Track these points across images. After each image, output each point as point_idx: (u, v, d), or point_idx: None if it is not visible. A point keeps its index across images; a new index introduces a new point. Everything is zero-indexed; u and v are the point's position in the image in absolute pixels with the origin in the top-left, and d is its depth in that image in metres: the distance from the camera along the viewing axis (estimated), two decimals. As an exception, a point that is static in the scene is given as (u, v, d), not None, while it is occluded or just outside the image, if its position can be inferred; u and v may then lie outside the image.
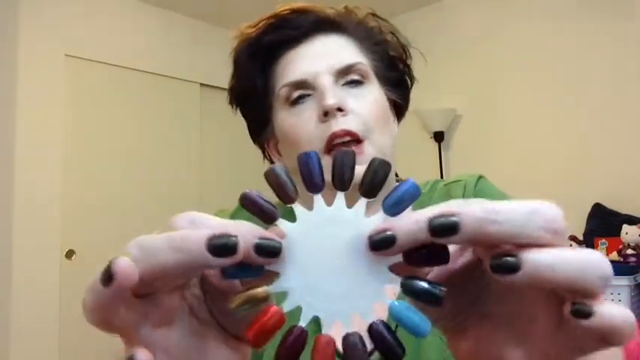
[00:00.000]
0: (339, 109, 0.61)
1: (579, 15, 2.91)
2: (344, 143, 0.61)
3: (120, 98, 3.19)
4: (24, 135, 2.78)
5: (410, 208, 0.26)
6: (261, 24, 0.68)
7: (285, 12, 0.67)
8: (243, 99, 0.73)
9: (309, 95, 0.65)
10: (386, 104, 0.68)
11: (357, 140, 0.61)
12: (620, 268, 2.08)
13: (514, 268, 0.23)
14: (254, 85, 0.70)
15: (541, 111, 3.02)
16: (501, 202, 0.24)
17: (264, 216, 0.26)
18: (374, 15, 0.72)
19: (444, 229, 0.23)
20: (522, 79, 3.11)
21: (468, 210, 0.24)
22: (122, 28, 3.23)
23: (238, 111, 0.75)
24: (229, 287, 0.28)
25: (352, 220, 0.26)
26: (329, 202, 0.27)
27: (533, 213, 0.24)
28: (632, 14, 2.73)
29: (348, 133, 0.61)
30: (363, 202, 0.26)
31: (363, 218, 0.26)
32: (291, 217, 0.27)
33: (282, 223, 0.26)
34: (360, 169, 0.26)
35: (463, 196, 0.68)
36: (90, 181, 3.01)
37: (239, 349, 0.31)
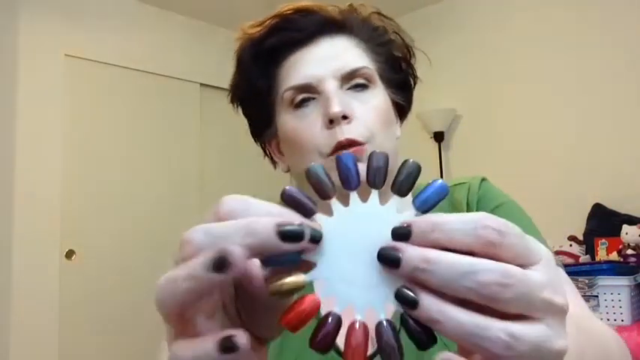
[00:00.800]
0: (344, 117, 0.61)
1: (579, 15, 2.91)
2: (348, 147, 0.61)
3: (120, 98, 3.19)
4: (24, 135, 2.78)
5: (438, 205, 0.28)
6: (264, 24, 0.67)
7: (289, 12, 0.66)
8: (246, 99, 0.73)
9: (313, 99, 0.64)
10: (389, 108, 0.68)
11: (360, 145, 0.62)
12: (620, 268, 2.08)
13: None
14: (257, 87, 0.69)
15: (541, 111, 3.02)
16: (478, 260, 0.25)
17: (303, 210, 0.28)
18: (379, 14, 0.72)
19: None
20: (522, 79, 3.11)
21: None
22: (122, 28, 3.23)
23: (238, 110, 0.75)
24: (260, 290, 0.28)
25: (384, 215, 0.28)
26: (364, 200, 0.29)
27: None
28: (633, 16, 2.73)
29: (352, 142, 0.61)
30: (395, 199, 0.29)
31: (394, 214, 0.28)
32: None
33: (320, 218, 0.28)
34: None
35: (467, 199, 0.68)
36: (90, 181, 3.01)
37: (259, 350, 0.31)
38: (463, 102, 3.35)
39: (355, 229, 0.28)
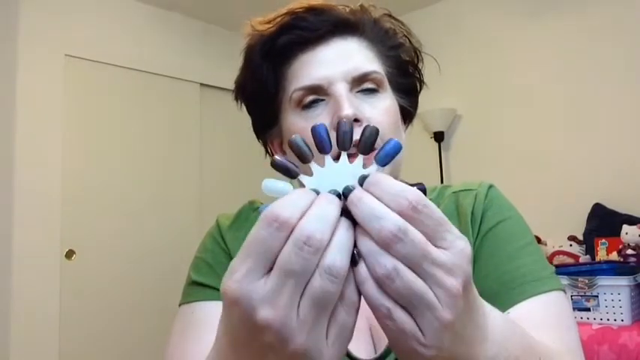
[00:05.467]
0: (356, 120, 0.61)
1: (580, 14, 2.91)
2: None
3: (120, 98, 3.19)
4: (24, 135, 2.78)
5: (393, 161, 0.37)
6: (275, 21, 0.66)
7: (301, 10, 0.65)
8: (252, 97, 0.72)
9: (322, 100, 0.64)
10: (397, 112, 0.68)
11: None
12: (620, 268, 2.08)
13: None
14: (265, 85, 0.68)
15: (541, 111, 3.02)
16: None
17: (289, 173, 0.36)
18: (389, 16, 0.71)
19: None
20: (522, 79, 3.11)
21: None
22: (122, 28, 3.23)
23: (242, 107, 0.74)
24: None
25: (352, 171, 0.36)
26: (336, 160, 0.36)
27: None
28: (633, 16, 2.73)
29: None
30: (360, 158, 0.36)
31: (360, 169, 0.36)
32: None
33: (302, 177, 0.36)
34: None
35: (473, 207, 0.68)
36: (90, 181, 3.01)
37: None
38: (463, 102, 3.35)
39: (330, 183, 0.35)
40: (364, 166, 0.36)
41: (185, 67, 3.47)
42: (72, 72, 2.99)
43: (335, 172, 0.36)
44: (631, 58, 2.72)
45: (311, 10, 0.65)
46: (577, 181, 2.83)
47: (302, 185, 0.37)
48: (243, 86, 0.72)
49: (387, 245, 0.32)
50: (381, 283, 0.32)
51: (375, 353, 0.62)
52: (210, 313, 0.65)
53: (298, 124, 0.65)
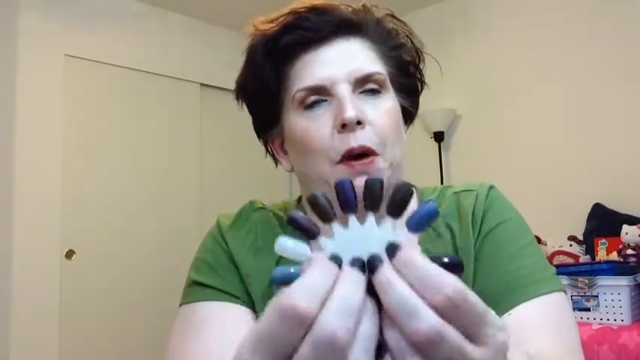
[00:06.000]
0: (358, 122, 0.60)
1: (579, 15, 2.91)
2: (358, 157, 0.60)
3: (120, 98, 3.19)
4: (24, 135, 2.78)
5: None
6: (278, 21, 0.66)
7: (304, 10, 0.65)
8: (253, 96, 0.71)
9: (324, 101, 0.64)
10: (399, 113, 0.67)
11: (371, 154, 0.61)
12: (620, 268, 2.08)
13: None
14: (267, 85, 0.68)
15: (541, 111, 3.02)
16: None
17: (309, 234, 0.32)
18: (392, 16, 0.71)
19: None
20: (523, 79, 3.11)
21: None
22: (122, 28, 3.23)
23: (242, 106, 0.74)
24: None
25: (380, 236, 0.31)
26: (361, 222, 0.32)
27: None
28: (633, 15, 2.73)
29: (364, 149, 0.60)
30: (389, 220, 0.32)
31: (389, 233, 0.31)
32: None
33: (323, 240, 0.32)
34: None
35: (474, 208, 0.68)
36: (90, 181, 3.01)
37: None
38: (463, 102, 3.35)
39: (354, 248, 0.31)
40: (393, 229, 0.32)
41: (185, 67, 3.47)
42: (72, 72, 2.99)
43: (360, 235, 0.32)
44: (631, 58, 2.72)
45: (314, 9, 0.65)
46: (577, 181, 2.83)
47: (320, 248, 0.33)
48: (245, 85, 0.72)
49: (419, 347, 0.28)
50: None
51: None
52: (210, 313, 0.65)
53: (300, 124, 0.64)
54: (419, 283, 0.29)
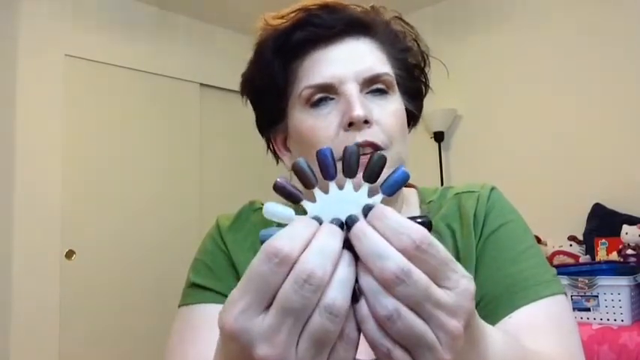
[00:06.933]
0: (366, 121, 0.60)
1: (579, 15, 2.91)
2: (365, 154, 0.60)
3: (120, 98, 3.19)
4: (24, 135, 2.78)
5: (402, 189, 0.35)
6: (289, 16, 0.66)
7: (315, 7, 0.65)
8: (260, 92, 0.71)
9: (331, 99, 0.64)
10: (404, 115, 0.67)
11: (377, 149, 0.61)
12: (620, 268, 2.08)
13: None
14: (274, 81, 0.68)
15: (541, 111, 3.02)
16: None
17: (292, 198, 0.35)
18: (400, 19, 0.71)
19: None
20: (522, 79, 3.11)
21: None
22: (122, 28, 3.23)
23: (247, 102, 0.74)
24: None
25: (357, 199, 0.35)
26: (340, 188, 0.35)
27: None
28: (633, 16, 2.73)
29: (370, 144, 0.60)
30: (365, 186, 0.35)
31: (365, 198, 0.35)
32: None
33: (305, 204, 0.35)
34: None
35: (475, 210, 0.68)
36: (90, 181, 3.01)
37: None
38: (463, 102, 3.35)
39: (334, 211, 0.34)
40: (369, 194, 0.35)
41: (185, 67, 3.47)
42: (72, 72, 2.99)
43: (339, 199, 0.35)
44: (632, 59, 2.72)
45: (325, 7, 0.65)
46: (577, 181, 2.83)
47: (304, 211, 0.36)
48: (251, 80, 0.71)
49: (389, 285, 0.32)
50: (381, 323, 0.32)
51: None
52: (209, 316, 0.65)
53: (307, 122, 0.64)
54: (389, 232, 0.32)
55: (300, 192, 0.35)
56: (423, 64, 0.72)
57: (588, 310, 2.02)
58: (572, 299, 2.05)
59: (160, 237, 3.22)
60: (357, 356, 0.61)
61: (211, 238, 0.73)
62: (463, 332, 0.33)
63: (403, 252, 0.32)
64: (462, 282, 0.33)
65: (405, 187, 0.76)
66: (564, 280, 2.04)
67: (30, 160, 2.79)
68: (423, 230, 0.32)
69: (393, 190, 0.35)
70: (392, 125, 0.63)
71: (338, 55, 0.64)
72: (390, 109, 0.64)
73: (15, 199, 2.72)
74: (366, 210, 0.34)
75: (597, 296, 2.00)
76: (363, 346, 0.62)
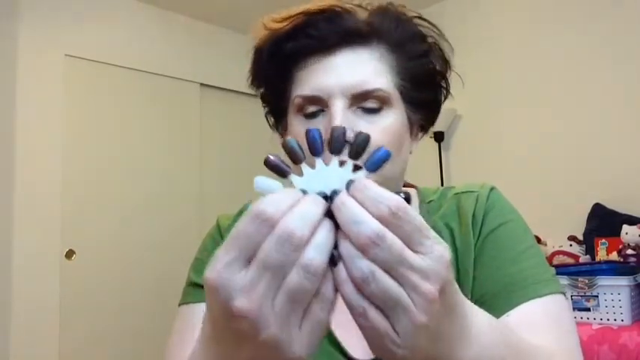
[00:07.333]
0: (346, 141, 0.60)
1: (579, 15, 2.91)
2: None
3: (120, 98, 3.19)
4: (24, 135, 2.79)
5: (385, 165, 0.38)
6: (289, 19, 0.64)
7: (316, 12, 0.63)
8: (262, 91, 0.73)
9: (322, 110, 0.64)
10: (401, 129, 0.66)
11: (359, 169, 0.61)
12: (620, 268, 2.08)
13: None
14: (272, 84, 0.69)
15: (541, 111, 3.02)
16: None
17: (280, 172, 0.37)
18: (420, 18, 0.69)
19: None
20: (522, 79, 3.11)
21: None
22: (122, 28, 3.23)
23: (243, 101, 0.75)
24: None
25: (342, 174, 0.37)
26: (326, 164, 0.38)
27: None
28: (633, 15, 2.73)
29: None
30: (350, 163, 0.37)
31: (349, 173, 0.37)
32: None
33: (293, 177, 0.37)
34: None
35: (475, 209, 0.68)
36: (90, 181, 3.01)
37: None
38: (463, 102, 3.35)
39: (319, 185, 0.36)
40: (354, 171, 0.37)
41: (185, 67, 3.47)
42: (72, 72, 2.99)
43: (325, 174, 0.37)
44: (631, 58, 2.72)
45: (326, 13, 0.63)
46: (577, 181, 2.83)
47: (292, 185, 0.38)
48: (256, 77, 0.72)
49: (364, 249, 0.33)
50: (358, 285, 0.34)
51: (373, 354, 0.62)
52: None
53: (297, 128, 0.65)
54: (368, 201, 0.34)
55: (288, 166, 0.37)
56: (444, 68, 0.70)
57: (588, 310, 2.02)
58: (572, 299, 2.05)
59: (159, 237, 3.22)
60: (357, 356, 0.61)
61: (212, 238, 0.73)
62: (438, 297, 0.34)
63: (380, 219, 0.34)
64: (437, 248, 0.35)
65: (406, 187, 0.76)
66: (564, 280, 2.04)
67: (30, 160, 2.79)
68: (400, 199, 0.34)
69: (375, 167, 0.37)
70: (379, 141, 0.61)
71: (330, 67, 0.63)
72: (380, 126, 0.63)
73: (15, 199, 2.72)
74: (349, 184, 0.36)
75: (597, 296, 2.00)
76: (360, 346, 0.63)
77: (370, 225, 0.33)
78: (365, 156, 0.38)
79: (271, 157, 0.38)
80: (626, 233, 2.32)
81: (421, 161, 3.36)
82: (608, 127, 2.77)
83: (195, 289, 0.69)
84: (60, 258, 2.84)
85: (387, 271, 0.33)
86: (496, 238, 0.65)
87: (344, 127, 0.38)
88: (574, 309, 2.04)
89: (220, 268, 0.34)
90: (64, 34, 2.98)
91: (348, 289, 0.34)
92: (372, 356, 0.62)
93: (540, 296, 0.59)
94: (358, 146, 0.38)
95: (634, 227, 2.32)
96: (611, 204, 2.66)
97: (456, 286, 0.38)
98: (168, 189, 3.33)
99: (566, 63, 2.94)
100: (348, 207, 0.34)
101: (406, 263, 0.33)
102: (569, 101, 2.92)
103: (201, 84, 3.55)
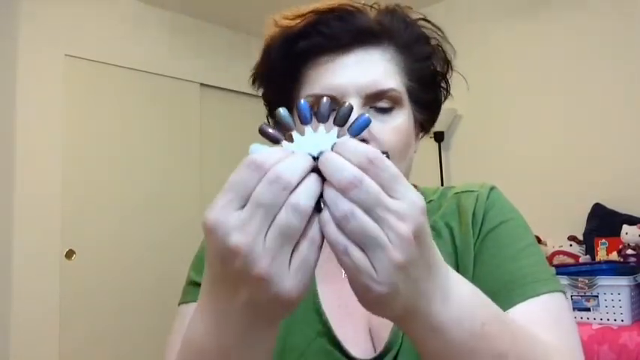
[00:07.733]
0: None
1: (579, 16, 2.91)
2: None
3: (120, 98, 3.19)
4: (24, 135, 2.78)
5: (365, 130, 0.44)
6: (302, 16, 0.64)
7: (327, 12, 0.63)
8: (268, 88, 0.72)
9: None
10: (409, 129, 0.67)
11: None
12: (620, 268, 2.08)
13: None
14: (281, 82, 0.68)
15: (541, 111, 3.02)
16: None
17: (272, 139, 0.41)
18: (426, 20, 0.69)
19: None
20: (522, 79, 3.11)
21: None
22: (122, 28, 3.23)
23: (259, 90, 0.74)
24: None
25: (328, 139, 0.41)
26: (314, 131, 0.41)
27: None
28: (633, 15, 2.73)
29: None
30: (335, 129, 0.41)
31: (334, 138, 0.41)
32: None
33: (284, 143, 0.41)
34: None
35: (474, 208, 0.68)
36: (90, 181, 3.01)
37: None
38: (463, 102, 3.35)
39: (308, 148, 0.40)
40: (339, 135, 0.41)
41: (185, 67, 3.47)
42: (72, 72, 2.99)
43: (313, 139, 0.41)
44: (631, 58, 2.72)
45: (336, 12, 0.63)
46: (577, 181, 2.83)
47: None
48: (261, 76, 0.72)
49: (345, 191, 0.37)
50: (339, 224, 0.37)
51: (375, 352, 0.63)
52: None
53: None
54: (349, 154, 0.38)
55: (280, 134, 0.41)
56: (446, 68, 0.71)
57: (588, 310, 2.02)
58: (572, 299, 2.05)
59: (159, 237, 3.22)
60: (357, 356, 0.62)
61: None
62: (412, 238, 0.37)
63: (359, 166, 0.37)
64: (410, 194, 0.38)
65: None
66: (564, 280, 2.04)
67: (30, 160, 2.79)
68: (377, 151, 0.38)
69: (357, 132, 0.41)
70: (391, 142, 0.63)
71: (343, 66, 0.63)
72: (391, 125, 0.64)
73: (15, 199, 2.72)
74: (334, 146, 0.40)
75: (597, 296, 2.00)
76: (362, 345, 0.63)
77: (350, 170, 0.37)
78: (348, 124, 0.42)
79: (265, 126, 0.41)
80: (626, 233, 2.32)
81: (421, 161, 3.33)
82: (608, 127, 2.77)
83: (195, 288, 0.69)
84: (60, 258, 2.84)
85: (366, 212, 0.37)
86: (496, 236, 0.65)
87: (329, 100, 0.42)
88: (574, 309, 2.04)
89: (218, 209, 0.37)
90: (64, 34, 2.98)
91: (331, 228, 0.37)
92: (372, 355, 0.62)
93: (540, 294, 0.59)
94: (343, 114, 0.41)
95: (634, 227, 2.32)
96: (611, 204, 2.66)
97: (435, 245, 0.41)
98: (168, 189, 3.33)
99: (566, 63, 2.94)
100: (331, 160, 0.38)
101: (383, 204, 0.36)
102: (569, 101, 2.92)
103: (201, 84, 3.55)
